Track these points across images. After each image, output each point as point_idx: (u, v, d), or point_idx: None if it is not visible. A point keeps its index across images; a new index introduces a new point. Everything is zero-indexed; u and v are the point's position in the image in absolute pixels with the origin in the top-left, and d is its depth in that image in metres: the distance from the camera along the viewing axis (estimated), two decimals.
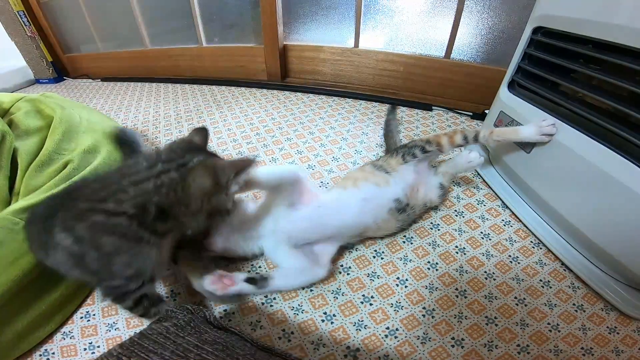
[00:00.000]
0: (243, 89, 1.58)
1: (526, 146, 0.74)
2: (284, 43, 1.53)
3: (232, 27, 1.64)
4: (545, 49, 0.70)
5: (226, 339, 0.43)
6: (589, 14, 0.58)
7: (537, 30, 0.71)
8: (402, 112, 1.25)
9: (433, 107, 1.26)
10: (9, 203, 0.68)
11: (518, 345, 0.54)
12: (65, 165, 0.72)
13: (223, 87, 1.62)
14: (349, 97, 1.40)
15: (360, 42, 1.39)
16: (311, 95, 1.45)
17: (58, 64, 2.03)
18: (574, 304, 0.60)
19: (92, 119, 0.86)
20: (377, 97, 1.37)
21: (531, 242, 0.72)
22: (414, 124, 1.16)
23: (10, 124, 0.79)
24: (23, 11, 1.79)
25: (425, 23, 1.23)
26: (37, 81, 2.03)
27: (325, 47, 1.46)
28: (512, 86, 0.81)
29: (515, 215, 0.78)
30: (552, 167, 0.68)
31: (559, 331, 0.56)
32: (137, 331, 0.44)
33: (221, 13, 1.61)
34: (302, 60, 1.55)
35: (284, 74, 1.60)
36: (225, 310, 0.61)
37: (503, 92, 0.82)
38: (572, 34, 0.62)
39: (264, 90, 1.53)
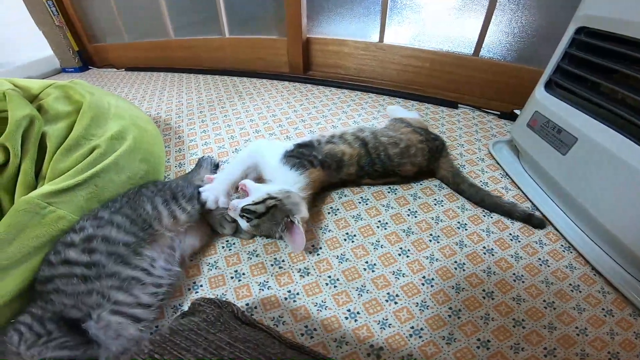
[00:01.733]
0: (264, 80, 1.58)
1: (562, 147, 0.71)
2: (307, 36, 1.51)
3: (255, 18, 1.63)
4: (587, 49, 0.68)
5: (255, 337, 0.42)
6: (636, 16, 0.57)
7: (580, 30, 0.69)
8: (427, 108, 1.23)
9: (459, 105, 1.23)
10: (34, 187, 0.69)
11: (545, 349, 0.53)
12: (92, 151, 0.72)
13: (244, 79, 1.62)
14: (372, 92, 1.37)
15: (385, 37, 1.36)
16: (333, 88, 1.44)
17: (84, 54, 2.07)
18: (603, 309, 0.58)
19: (119, 106, 0.87)
20: (401, 93, 1.34)
21: (562, 245, 0.70)
22: (440, 122, 1.13)
23: (40, 109, 0.80)
24: (52, 1, 1.83)
25: (454, 20, 1.20)
26: (63, 70, 2.08)
27: (349, 41, 1.44)
28: (549, 86, 0.78)
29: (546, 218, 0.75)
30: (589, 170, 0.65)
31: (587, 335, 0.55)
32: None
33: (245, 4, 1.60)
34: (325, 54, 1.53)
35: (306, 67, 1.59)
36: (247, 305, 0.61)
37: (539, 91, 0.79)
38: (617, 34, 0.60)
39: (286, 83, 1.52)
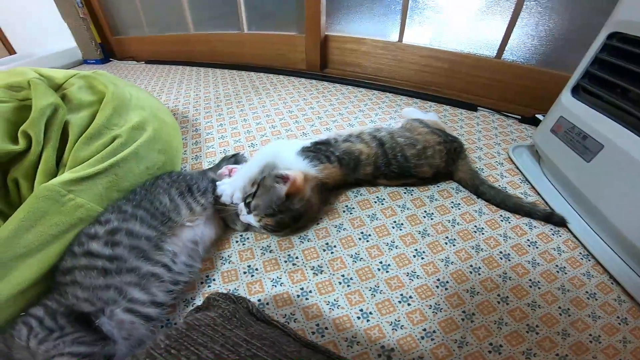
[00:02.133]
0: (281, 76, 1.58)
1: (586, 154, 0.69)
2: (326, 33, 1.51)
3: (273, 14, 1.64)
4: (619, 55, 0.66)
5: (271, 334, 0.41)
6: None
7: (612, 35, 0.67)
8: (445, 110, 1.21)
9: (478, 108, 1.21)
10: (54, 175, 0.70)
11: (557, 355, 0.52)
12: (113, 140, 0.73)
13: (261, 74, 1.63)
14: (390, 92, 1.36)
15: (404, 36, 1.35)
16: (350, 87, 1.43)
17: (106, 46, 2.10)
18: (617, 317, 0.58)
19: (140, 97, 0.88)
20: (419, 94, 1.33)
21: (580, 253, 0.68)
22: (458, 124, 1.11)
23: (64, 98, 0.81)
24: None
25: (477, 21, 1.18)
26: (84, 62, 2.12)
27: (368, 39, 1.42)
28: (576, 91, 0.76)
29: (565, 225, 0.74)
30: (613, 178, 0.64)
31: (600, 342, 0.54)
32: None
33: (264, 0, 1.61)
34: (342, 52, 1.53)
35: (323, 65, 1.58)
36: (259, 300, 0.61)
37: (565, 96, 0.77)
38: None
39: (302, 80, 1.52)
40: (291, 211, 0.67)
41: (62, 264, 0.55)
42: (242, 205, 0.69)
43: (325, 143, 0.80)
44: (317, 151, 0.77)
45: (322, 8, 1.40)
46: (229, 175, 0.79)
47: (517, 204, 0.76)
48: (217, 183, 0.73)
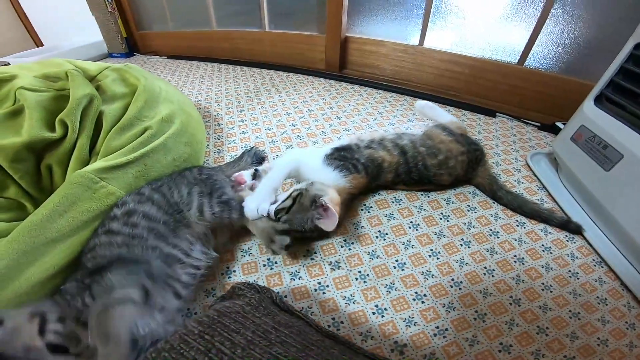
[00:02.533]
0: (300, 75, 1.60)
1: (606, 163, 0.70)
2: (346, 34, 1.52)
3: (295, 13, 1.66)
4: None
5: (295, 323, 0.42)
6: None
7: (639, 46, 0.68)
8: (464, 115, 1.21)
9: (497, 114, 1.21)
10: (87, 163, 0.73)
11: (565, 356, 0.54)
12: (144, 131, 0.76)
13: (281, 72, 1.65)
14: (408, 95, 1.37)
15: (425, 40, 1.36)
16: (369, 88, 1.44)
17: (130, 40, 2.16)
18: (626, 322, 0.59)
19: (168, 91, 0.91)
20: (438, 98, 1.33)
21: (593, 259, 0.69)
22: (476, 129, 1.12)
23: (98, 89, 0.85)
24: None
25: (499, 27, 1.18)
26: (110, 55, 2.18)
27: (388, 42, 1.44)
28: (599, 100, 0.76)
29: (580, 232, 0.74)
30: (631, 188, 0.64)
31: (607, 346, 0.55)
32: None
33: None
34: (362, 53, 1.54)
35: (342, 65, 1.60)
36: (278, 293, 0.63)
37: (588, 105, 0.77)
38: None
39: (321, 79, 1.54)
40: (319, 232, 0.68)
41: (86, 247, 0.57)
42: (270, 211, 0.68)
43: (348, 149, 0.80)
44: (344, 159, 0.77)
45: (343, 9, 1.42)
46: (249, 188, 0.78)
47: (534, 210, 0.77)
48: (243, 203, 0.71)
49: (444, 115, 0.97)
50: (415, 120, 1.17)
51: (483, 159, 0.86)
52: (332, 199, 0.67)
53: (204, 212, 0.65)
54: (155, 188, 0.66)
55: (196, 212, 0.64)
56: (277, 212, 0.68)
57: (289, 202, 0.67)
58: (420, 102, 1.01)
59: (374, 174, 0.79)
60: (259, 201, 0.69)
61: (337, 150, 0.80)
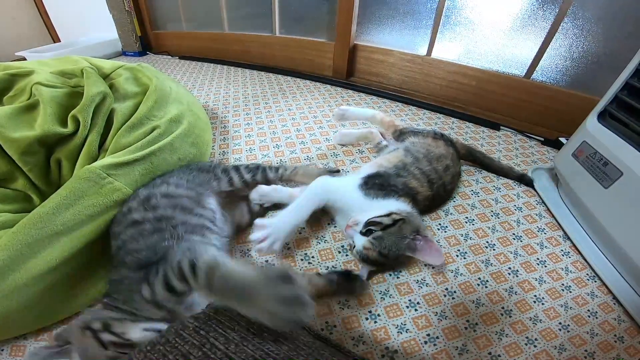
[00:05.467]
0: (307, 81, 1.62)
1: (605, 180, 0.70)
2: (355, 42, 1.54)
3: (305, 19, 1.69)
4: None
5: None
6: None
7: None
8: (468, 127, 1.22)
9: (501, 127, 1.21)
10: (96, 158, 0.75)
11: None
12: (152, 130, 0.78)
13: (288, 77, 1.68)
14: (413, 105, 1.38)
15: (433, 51, 1.37)
16: (375, 97, 1.46)
17: (144, 39, 2.21)
18: (615, 335, 0.60)
19: (178, 92, 0.94)
20: (443, 109, 1.34)
21: (587, 274, 0.70)
22: (479, 142, 1.13)
23: (111, 87, 0.88)
24: None
25: (508, 39, 1.19)
26: (123, 53, 2.23)
27: (396, 51, 1.45)
28: (602, 116, 0.76)
29: (576, 248, 0.75)
30: (629, 206, 0.65)
31: (594, 358, 0.56)
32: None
33: (299, 5, 1.66)
34: (369, 62, 1.56)
35: (349, 73, 1.62)
36: None
37: (591, 121, 0.77)
38: None
39: (328, 86, 1.56)
40: (398, 261, 0.67)
41: (112, 247, 0.59)
42: (360, 227, 0.65)
43: (378, 176, 0.75)
44: (382, 187, 0.72)
45: (354, 17, 1.44)
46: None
47: (498, 167, 0.96)
48: (256, 222, 0.66)
49: (365, 111, 1.10)
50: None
51: (451, 141, 0.93)
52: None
53: (234, 182, 0.75)
54: (168, 175, 0.71)
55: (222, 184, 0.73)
56: (371, 222, 0.64)
57: (388, 221, 0.63)
58: (337, 110, 1.06)
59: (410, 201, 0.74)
60: (276, 237, 0.64)
61: (368, 177, 0.75)
